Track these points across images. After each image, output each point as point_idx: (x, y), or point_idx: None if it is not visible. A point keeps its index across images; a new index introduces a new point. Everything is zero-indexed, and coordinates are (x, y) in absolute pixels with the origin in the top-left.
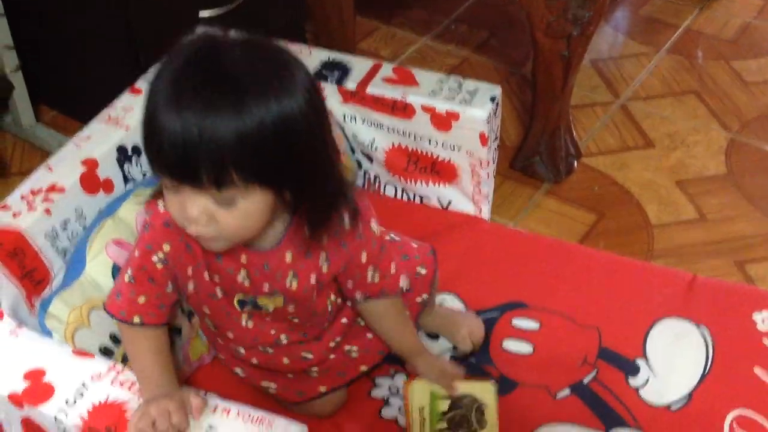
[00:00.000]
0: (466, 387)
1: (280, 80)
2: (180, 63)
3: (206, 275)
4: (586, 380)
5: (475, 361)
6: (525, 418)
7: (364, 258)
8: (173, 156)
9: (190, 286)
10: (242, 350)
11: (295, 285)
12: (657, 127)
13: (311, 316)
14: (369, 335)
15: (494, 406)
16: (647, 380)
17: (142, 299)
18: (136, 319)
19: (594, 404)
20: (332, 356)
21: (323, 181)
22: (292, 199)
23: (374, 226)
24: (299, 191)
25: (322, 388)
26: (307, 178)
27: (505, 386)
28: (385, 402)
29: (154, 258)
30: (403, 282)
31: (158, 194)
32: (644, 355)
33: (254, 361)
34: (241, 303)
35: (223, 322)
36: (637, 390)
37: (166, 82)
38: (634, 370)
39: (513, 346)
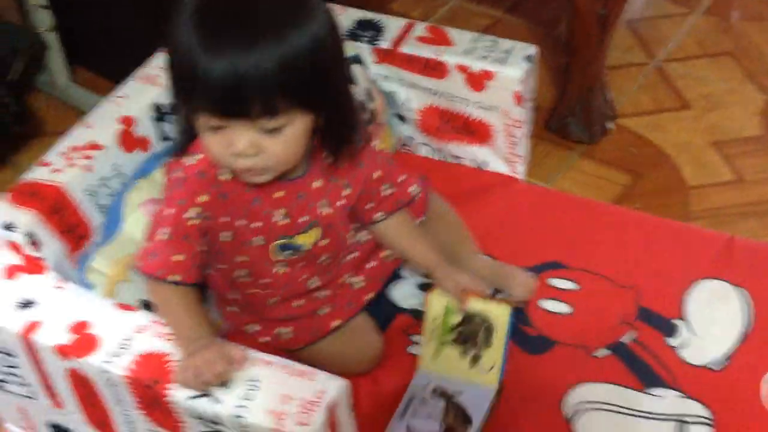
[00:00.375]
0: (480, 305)
1: (304, 6)
2: (204, 3)
3: (243, 222)
4: (624, 340)
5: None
6: (562, 376)
7: (376, 175)
8: (222, 93)
9: (226, 237)
10: (271, 300)
11: (328, 211)
12: (693, 88)
13: (340, 251)
14: (369, 264)
15: (504, 330)
16: (686, 340)
17: (179, 257)
18: (174, 278)
19: (632, 363)
20: (337, 289)
21: (347, 102)
22: (324, 122)
23: (376, 144)
24: (331, 113)
25: (335, 323)
26: (337, 99)
27: (542, 345)
28: None
29: (189, 214)
30: (412, 189)
31: (178, 154)
32: (682, 316)
33: (272, 314)
34: (282, 247)
35: (257, 270)
36: (675, 350)
37: (197, 23)
38: (673, 330)
39: (550, 305)
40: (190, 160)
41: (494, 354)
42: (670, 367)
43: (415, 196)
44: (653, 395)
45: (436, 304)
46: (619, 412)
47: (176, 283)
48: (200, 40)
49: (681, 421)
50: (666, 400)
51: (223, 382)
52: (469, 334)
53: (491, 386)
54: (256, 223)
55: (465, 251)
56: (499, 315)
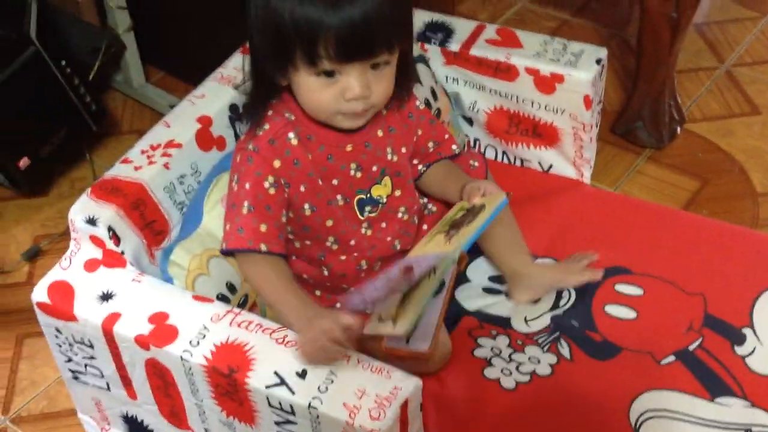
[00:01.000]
0: (483, 198)
1: None
2: None
3: (322, 184)
4: (691, 347)
5: (578, 325)
6: (628, 383)
7: (420, 132)
8: (351, 37)
9: (311, 207)
10: (362, 264)
11: (395, 158)
12: (763, 93)
13: (413, 205)
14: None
15: (490, 211)
16: (754, 349)
17: (264, 227)
18: (263, 247)
19: (699, 372)
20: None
21: (413, 47)
22: (401, 65)
23: (420, 104)
24: (408, 52)
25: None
26: (409, 40)
27: (608, 351)
28: (488, 362)
29: (266, 184)
30: (455, 147)
31: (253, 127)
32: (751, 324)
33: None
34: (361, 203)
35: (345, 234)
36: (743, 359)
37: None
38: (741, 339)
39: (616, 311)
40: (258, 132)
41: (469, 230)
42: (738, 376)
43: (457, 153)
44: (720, 404)
45: (453, 209)
46: (687, 421)
47: (267, 253)
48: None
49: (748, 431)
50: (733, 410)
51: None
52: (461, 220)
53: (448, 252)
54: (335, 179)
55: (520, 263)
56: (492, 200)
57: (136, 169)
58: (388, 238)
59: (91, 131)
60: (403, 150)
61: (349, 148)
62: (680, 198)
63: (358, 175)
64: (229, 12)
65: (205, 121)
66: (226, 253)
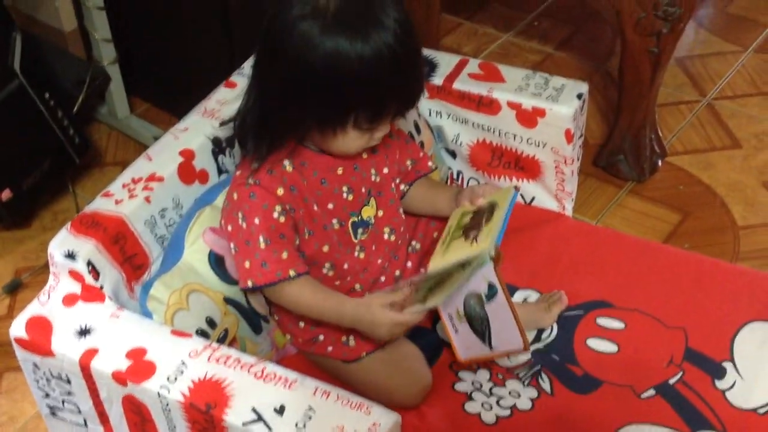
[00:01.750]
0: (488, 197)
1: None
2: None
3: (318, 209)
4: (672, 381)
5: (559, 359)
6: (609, 416)
7: (398, 154)
8: (413, 101)
9: (309, 232)
10: (357, 287)
11: (377, 178)
12: (744, 126)
13: (398, 227)
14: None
15: (505, 207)
16: (734, 383)
17: (285, 254)
18: (292, 273)
19: (679, 406)
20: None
21: None
22: None
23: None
24: None
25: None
26: None
27: (589, 384)
28: (469, 396)
29: (275, 214)
30: (431, 164)
31: (247, 162)
32: (731, 358)
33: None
34: (354, 226)
35: (340, 258)
36: (723, 393)
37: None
38: (721, 373)
39: (597, 345)
40: (254, 164)
41: (492, 227)
42: (717, 410)
43: (434, 168)
44: None
45: (454, 215)
46: None
47: (297, 276)
48: (384, 58)
49: None
50: None
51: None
52: (475, 222)
53: (482, 252)
54: (330, 203)
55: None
56: (503, 195)
57: (117, 203)
58: (379, 260)
59: (75, 163)
60: (385, 170)
61: (340, 171)
62: (662, 231)
63: (350, 197)
64: (213, 44)
65: (188, 155)
66: (255, 289)
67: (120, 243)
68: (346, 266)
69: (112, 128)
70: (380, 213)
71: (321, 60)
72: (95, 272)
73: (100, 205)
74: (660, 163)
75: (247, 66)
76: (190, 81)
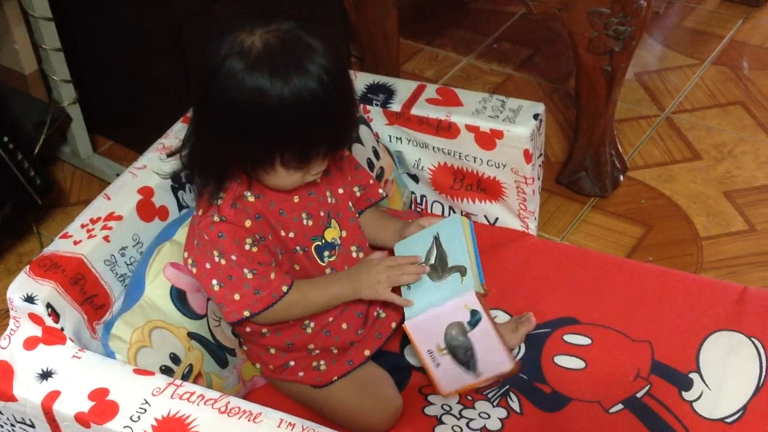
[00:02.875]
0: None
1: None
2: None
3: (283, 234)
4: (639, 395)
5: (527, 378)
6: None
7: (348, 177)
8: (342, 145)
9: (278, 250)
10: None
11: (333, 200)
12: (703, 138)
13: (362, 245)
14: None
15: (469, 236)
16: (701, 394)
17: (273, 275)
18: (284, 288)
19: (647, 419)
20: (368, 322)
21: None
22: None
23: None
24: None
25: (367, 352)
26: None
27: (557, 402)
28: (439, 420)
29: (247, 246)
30: (382, 191)
31: (206, 199)
32: (697, 369)
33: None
34: (319, 249)
35: (313, 275)
36: (691, 404)
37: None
38: (688, 384)
39: (565, 362)
40: (216, 203)
41: (462, 259)
42: (685, 421)
43: (385, 196)
44: None
45: (397, 247)
46: None
47: (289, 288)
48: (325, 95)
49: None
50: None
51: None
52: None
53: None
54: (291, 232)
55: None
56: (454, 223)
57: (75, 243)
58: None
59: (37, 204)
60: (340, 191)
61: (296, 199)
62: (625, 245)
63: (310, 222)
64: (170, 80)
65: (147, 192)
66: (252, 317)
67: (80, 284)
68: None
69: (75, 168)
70: (344, 233)
71: (243, 97)
72: (55, 314)
73: (58, 246)
74: (621, 178)
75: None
76: (151, 118)
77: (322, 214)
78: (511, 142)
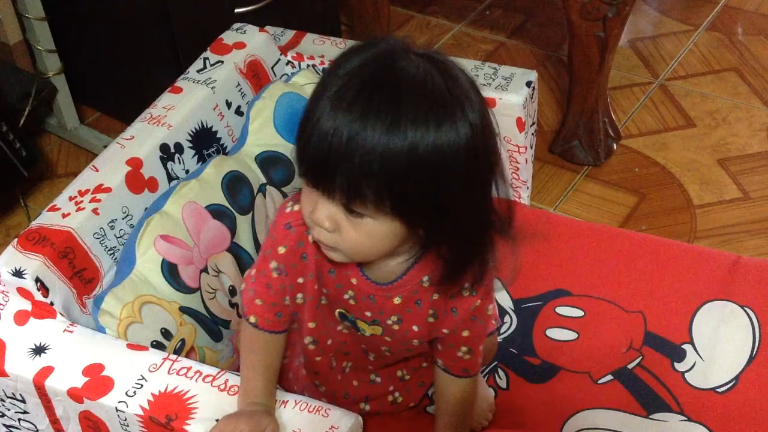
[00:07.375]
0: None
1: (447, 105)
2: (356, 63)
3: (316, 285)
4: (630, 366)
5: (517, 352)
6: (563, 404)
7: (466, 334)
8: (315, 156)
9: (299, 296)
10: (333, 362)
11: (397, 327)
12: (697, 105)
13: (404, 352)
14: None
15: None
16: (693, 364)
17: (259, 302)
18: (252, 319)
19: (635, 389)
20: (391, 387)
21: (470, 226)
22: (426, 238)
23: (490, 310)
24: (436, 232)
25: (366, 407)
26: (451, 220)
27: (546, 373)
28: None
29: (271, 265)
30: (480, 362)
31: (298, 193)
32: (690, 340)
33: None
34: (342, 316)
35: (327, 331)
36: (683, 374)
37: (336, 79)
38: (681, 355)
39: (556, 334)
40: (289, 208)
41: None
42: (676, 392)
43: (478, 371)
44: (655, 420)
45: None
46: None
47: (255, 326)
48: (331, 93)
49: None
50: (669, 425)
51: None
52: None
53: None
54: (325, 289)
55: None
56: None
57: (63, 216)
58: (363, 346)
59: (23, 177)
60: (414, 330)
61: (353, 281)
62: (619, 214)
63: (351, 302)
64: (158, 49)
65: (136, 163)
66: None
67: (69, 257)
68: (329, 342)
69: (62, 139)
70: (387, 338)
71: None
72: (44, 289)
73: (46, 219)
74: (615, 146)
75: (192, 70)
76: (138, 88)
77: (368, 315)
78: (503, 110)
